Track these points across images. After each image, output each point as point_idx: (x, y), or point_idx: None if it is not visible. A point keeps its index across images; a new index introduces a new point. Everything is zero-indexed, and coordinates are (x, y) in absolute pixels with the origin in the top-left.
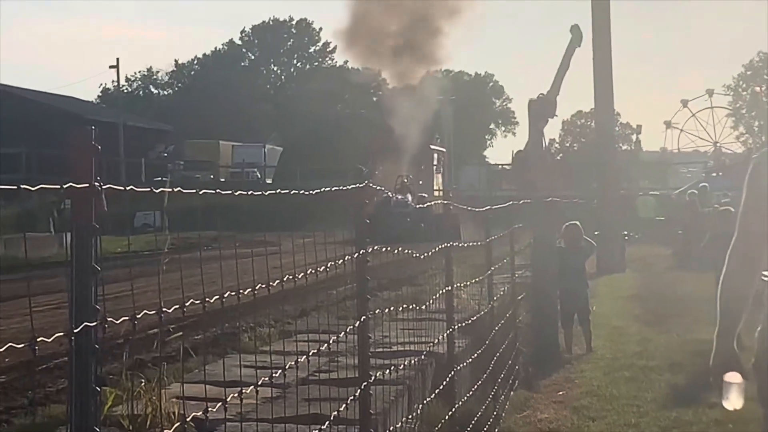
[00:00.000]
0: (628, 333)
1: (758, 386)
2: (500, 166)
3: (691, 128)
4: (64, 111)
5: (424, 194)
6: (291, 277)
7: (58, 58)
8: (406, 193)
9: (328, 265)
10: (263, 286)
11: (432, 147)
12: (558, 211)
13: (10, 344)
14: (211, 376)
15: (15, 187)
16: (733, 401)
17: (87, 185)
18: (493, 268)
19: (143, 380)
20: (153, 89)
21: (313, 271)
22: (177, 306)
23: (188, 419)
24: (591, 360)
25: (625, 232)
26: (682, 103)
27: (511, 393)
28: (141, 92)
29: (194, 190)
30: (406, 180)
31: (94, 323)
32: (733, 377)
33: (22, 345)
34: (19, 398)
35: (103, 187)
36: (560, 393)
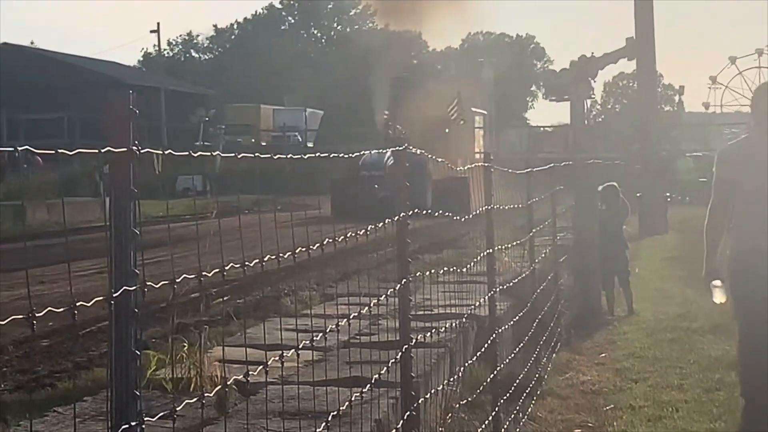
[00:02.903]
0: (670, 295)
1: (732, 301)
2: (541, 128)
3: (737, 87)
4: (105, 76)
5: (415, 149)
6: (331, 240)
7: (100, 23)
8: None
9: (368, 228)
10: (303, 249)
11: (473, 110)
12: (600, 173)
13: (49, 308)
14: (253, 339)
15: (53, 151)
16: (718, 298)
17: (125, 149)
18: (534, 231)
19: (186, 344)
20: (194, 54)
21: (354, 234)
22: (217, 270)
23: (230, 382)
24: (633, 322)
25: (668, 194)
26: (730, 60)
27: (554, 355)
28: (182, 57)
29: (235, 154)
30: (391, 132)
31: (134, 287)
32: (717, 283)
33: (62, 309)
34: (63, 362)
35: (141, 151)
36: (602, 355)
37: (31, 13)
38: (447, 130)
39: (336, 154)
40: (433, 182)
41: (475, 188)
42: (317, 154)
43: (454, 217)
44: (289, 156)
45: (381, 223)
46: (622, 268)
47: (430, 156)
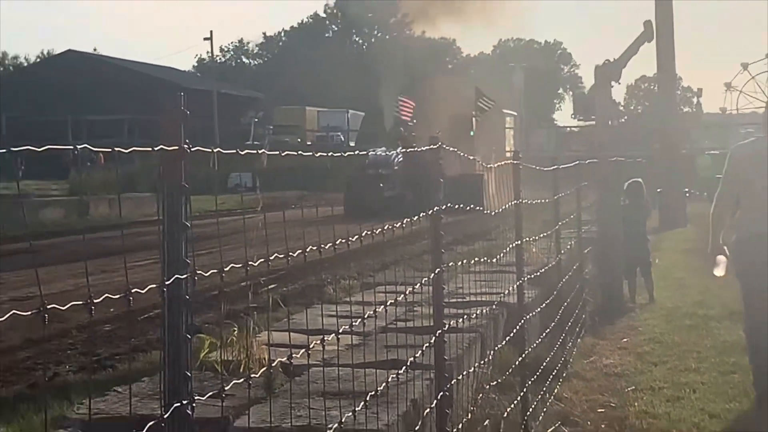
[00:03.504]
0: (689, 284)
1: (737, 277)
2: (568, 129)
3: (750, 90)
4: (163, 80)
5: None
6: (370, 233)
7: (158, 32)
8: (395, 146)
9: (404, 221)
10: (343, 241)
11: (504, 111)
12: (622, 170)
13: (106, 295)
14: (297, 324)
15: (110, 150)
16: (719, 271)
17: (176, 148)
18: (560, 224)
19: (236, 329)
20: (244, 59)
21: (391, 227)
22: (262, 260)
23: (275, 364)
24: (653, 309)
25: (687, 190)
26: (742, 66)
27: (578, 340)
28: (233, 62)
29: (281, 152)
30: (402, 129)
31: (185, 276)
32: (721, 259)
33: (118, 296)
34: (122, 345)
35: (191, 149)
36: (624, 340)
37: (95, 22)
38: (472, 133)
39: (344, 153)
40: (445, 180)
41: (490, 185)
42: (329, 153)
43: (486, 212)
44: (298, 153)
45: (412, 218)
46: (644, 259)
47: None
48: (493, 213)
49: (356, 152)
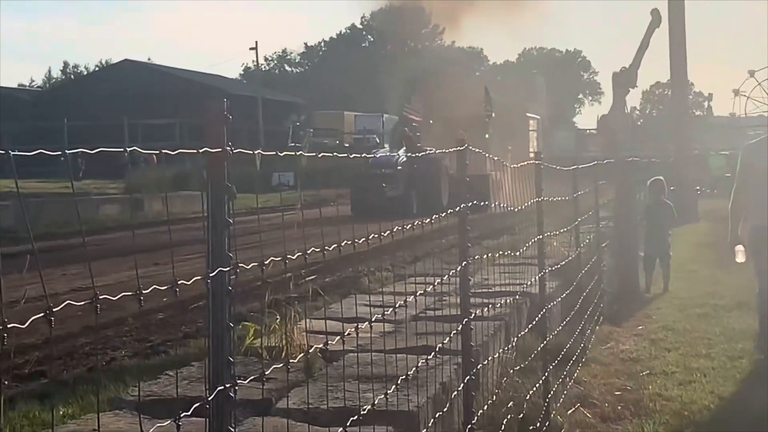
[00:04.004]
0: (700, 275)
1: (751, 261)
2: (587, 131)
3: (757, 96)
4: (211, 87)
5: (429, 148)
6: (402, 228)
7: (207, 42)
8: (399, 147)
9: (433, 217)
10: (376, 236)
11: (527, 114)
12: (638, 170)
13: (154, 286)
14: (334, 313)
15: (158, 152)
16: (740, 258)
17: (220, 149)
18: (580, 219)
19: (278, 317)
20: (287, 67)
21: (421, 223)
22: (300, 254)
23: (313, 350)
24: (667, 299)
25: (698, 187)
26: (749, 73)
27: (597, 327)
28: (277, 70)
29: (321, 153)
30: (407, 129)
31: (228, 268)
32: (739, 247)
33: (166, 287)
34: (174, 332)
35: (234, 151)
36: (640, 327)
37: (149, 34)
38: (487, 136)
39: (350, 155)
40: (451, 179)
41: (504, 184)
42: (334, 154)
43: (510, 208)
44: (311, 154)
45: (439, 216)
46: (664, 252)
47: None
48: (516, 210)
49: (362, 154)
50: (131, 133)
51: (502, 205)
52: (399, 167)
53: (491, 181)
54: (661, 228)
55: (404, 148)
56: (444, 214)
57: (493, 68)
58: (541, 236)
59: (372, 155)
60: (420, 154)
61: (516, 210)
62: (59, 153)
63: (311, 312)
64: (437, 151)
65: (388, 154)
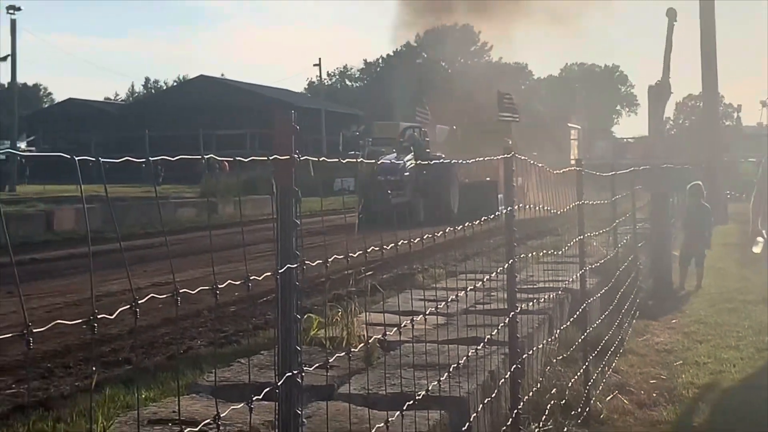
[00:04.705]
0: (730, 273)
1: None
2: (625, 140)
3: None
4: (278, 100)
5: (439, 154)
6: (453, 229)
7: (274, 58)
8: (407, 152)
9: (482, 219)
10: (429, 236)
11: (569, 125)
12: (673, 175)
13: (229, 281)
14: (391, 307)
15: (231, 159)
16: (758, 249)
17: (287, 157)
18: (617, 221)
19: (339, 310)
20: (348, 82)
21: (471, 224)
22: (360, 252)
23: (372, 340)
24: (699, 295)
25: (728, 192)
26: None
27: (633, 321)
28: (338, 84)
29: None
30: (416, 134)
31: (295, 265)
32: (759, 239)
33: (239, 282)
34: (245, 323)
35: (300, 158)
36: (673, 321)
37: (222, 52)
38: (510, 141)
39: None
40: (461, 186)
41: (529, 191)
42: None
43: (555, 211)
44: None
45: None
46: (700, 251)
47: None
48: (558, 212)
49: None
50: (206, 142)
51: (526, 208)
52: (406, 173)
53: (497, 188)
54: (699, 229)
55: (412, 153)
56: (492, 215)
57: (537, 82)
58: (582, 236)
59: (379, 161)
60: (430, 161)
61: (556, 212)
62: (143, 160)
63: (370, 306)
64: (445, 158)
65: (394, 160)
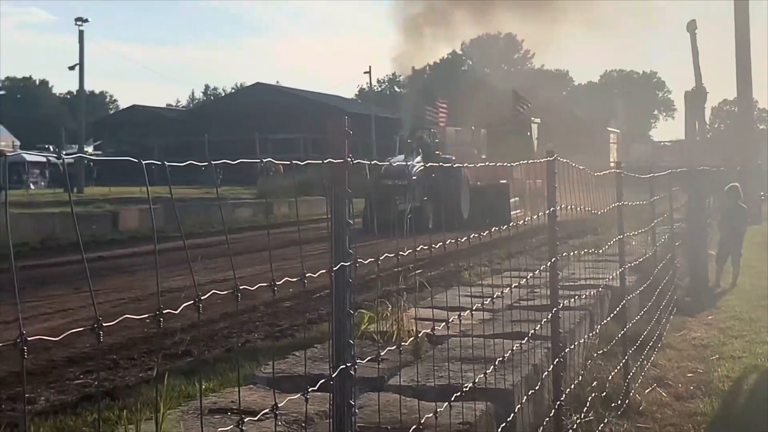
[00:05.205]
0: (764, 271)
1: None
2: (662, 143)
3: None
4: (331, 106)
5: (450, 156)
6: (497, 229)
7: (327, 66)
8: (415, 155)
9: (526, 219)
10: (475, 236)
11: (608, 129)
12: (708, 178)
13: (286, 278)
14: (439, 302)
15: (288, 162)
16: None
17: (341, 160)
18: (656, 221)
19: (389, 305)
20: (396, 89)
21: (515, 225)
22: (410, 250)
23: (421, 334)
24: (734, 292)
25: (762, 193)
26: None
27: (671, 317)
28: (387, 91)
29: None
30: (425, 136)
31: (348, 263)
32: None
33: (296, 279)
34: (300, 318)
35: (353, 161)
36: (709, 317)
37: (278, 60)
38: (534, 140)
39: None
40: (472, 190)
41: (514, 194)
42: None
43: (594, 212)
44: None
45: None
46: (736, 250)
47: (466, 164)
48: (599, 213)
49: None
50: (261, 146)
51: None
52: (414, 177)
53: (509, 191)
54: (736, 229)
55: (420, 156)
56: (539, 213)
57: (578, 88)
58: (621, 236)
59: (386, 163)
60: (439, 164)
61: (596, 213)
62: (205, 164)
63: (418, 302)
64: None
65: (401, 163)
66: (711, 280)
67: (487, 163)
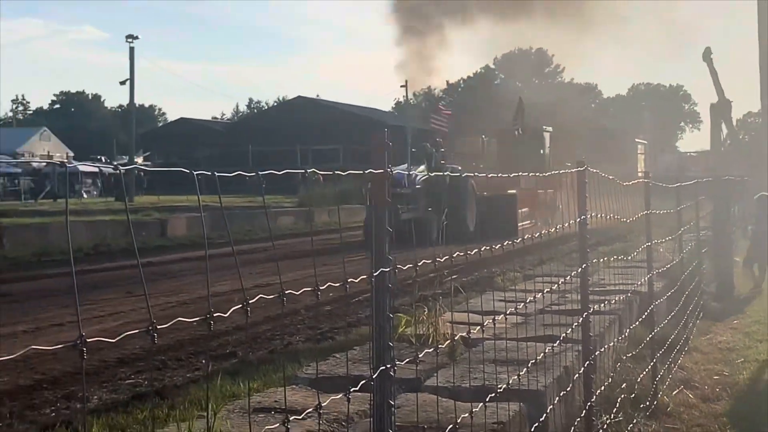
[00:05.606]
0: None
1: None
2: (688, 154)
3: None
4: (369, 118)
5: (456, 165)
6: (530, 236)
7: (365, 81)
8: (419, 163)
9: (556, 227)
10: (509, 243)
11: (636, 140)
12: (733, 187)
13: (329, 283)
14: (473, 307)
15: (331, 173)
16: None
17: (381, 171)
18: (683, 229)
19: (425, 309)
20: (432, 102)
21: (547, 232)
22: (447, 257)
23: (457, 337)
24: (759, 297)
25: None
26: None
27: (697, 321)
28: (424, 104)
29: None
30: (428, 145)
31: (388, 269)
32: None
33: (338, 284)
34: (339, 321)
35: (393, 172)
36: (735, 321)
37: (318, 75)
38: (543, 151)
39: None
40: (479, 200)
41: (550, 200)
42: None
43: (623, 220)
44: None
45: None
46: (763, 257)
47: (474, 174)
48: (627, 221)
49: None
50: (302, 156)
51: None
52: (417, 186)
53: (517, 202)
54: (764, 236)
55: (424, 165)
56: (570, 222)
57: (607, 101)
58: (649, 243)
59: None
60: (444, 173)
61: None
62: (252, 174)
63: (452, 306)
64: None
65: (405, 171)
66: (737, 286)
67: (498, 174)
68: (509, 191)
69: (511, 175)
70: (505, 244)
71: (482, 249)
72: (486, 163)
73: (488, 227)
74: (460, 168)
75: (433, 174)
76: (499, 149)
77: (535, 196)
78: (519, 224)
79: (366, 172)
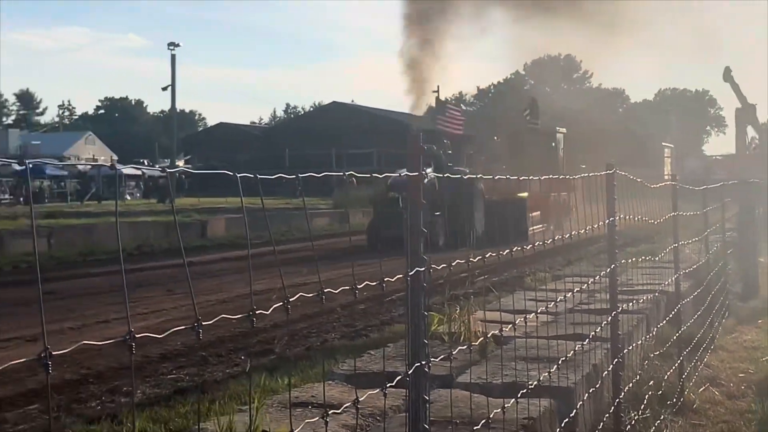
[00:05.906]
0: None
1: None
2: (714, 157)
3: None
4: (401, 123)
5: (463, 168)
6: (560, 237)
7: (398, 86)
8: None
9: (586, 228)
10: (540, 243)
11: (663, 144)
12: (756, 190)
13: (366, 282)
14: (504, 306)
15: (368, 175)
16: None
17: (416, 173)
18: (708, 231)
19: (457, 308)
20: (463, 106)
21: (576, 233)
22: (479, 257)
23: (489, 335)
24: None
25: None
26: None
27: (723, 321)
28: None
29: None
30: (435, 147)
31: (423, 269)
32: None
33: (375, 283)
34: (374, 319)
35: (427, 174)
36: (760, 321)
37: (353, 81)
38: (561, 153)
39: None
40: (487, 203)
41: (575, 204)
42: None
43: (650, 221)
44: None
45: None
46: None
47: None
48: (655, 222)
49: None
50: (337, 159)
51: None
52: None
53: (527, 206)
54: None
55: (432, 167)
56: (599, 223)
57: (634, 105)
58: (676, 244)
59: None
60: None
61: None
62: (293, 176)
63: (483, 305)
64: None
65: (401, 176)
66: (762, 286)
67: (507, 177)
68: (519, 195)
69: (520, 178)
70: (514, 249)
71: (502, 252)
72: (498, 165)
73: (498, 231)
74: (467, 171)
75: (434, 176)
76: (510, 151)
77: (548, 199)
78: (530, 228)
79: (402, 174)
